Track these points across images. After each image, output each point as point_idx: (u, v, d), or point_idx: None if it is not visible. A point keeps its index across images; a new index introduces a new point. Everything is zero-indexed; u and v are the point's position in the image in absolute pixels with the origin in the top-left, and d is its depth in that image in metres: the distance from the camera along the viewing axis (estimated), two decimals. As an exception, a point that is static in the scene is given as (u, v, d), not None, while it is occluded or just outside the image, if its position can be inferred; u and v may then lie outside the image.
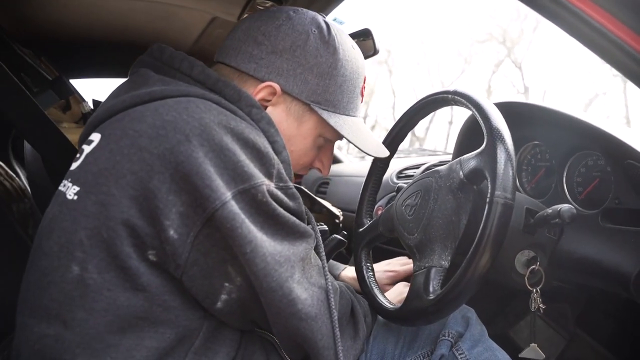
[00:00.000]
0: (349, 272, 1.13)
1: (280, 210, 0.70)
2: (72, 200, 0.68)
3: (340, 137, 0.88)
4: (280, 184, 0.72)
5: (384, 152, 0.92)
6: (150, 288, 0.66)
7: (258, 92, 0.80)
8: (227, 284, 0.69)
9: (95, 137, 0.72)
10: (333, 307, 0.75)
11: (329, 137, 0.88)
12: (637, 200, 0.89)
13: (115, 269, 0.65)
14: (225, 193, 0.64)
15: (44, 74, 1.36)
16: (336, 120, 0.84)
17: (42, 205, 1.43)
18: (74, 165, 0.73)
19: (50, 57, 1.56)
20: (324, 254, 0.81)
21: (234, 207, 0.64)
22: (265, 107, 0.81)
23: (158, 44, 0.83)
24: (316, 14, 0.85)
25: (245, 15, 1.28)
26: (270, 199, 0.68)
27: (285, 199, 0.72)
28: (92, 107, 1.52)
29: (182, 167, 0.63)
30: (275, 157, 0.72)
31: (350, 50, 0.85)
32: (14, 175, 1.43)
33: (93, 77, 1.87)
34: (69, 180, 0.72)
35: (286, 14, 0.82)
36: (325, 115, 0.83)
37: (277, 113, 0.82)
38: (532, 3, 0.80)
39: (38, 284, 0.69)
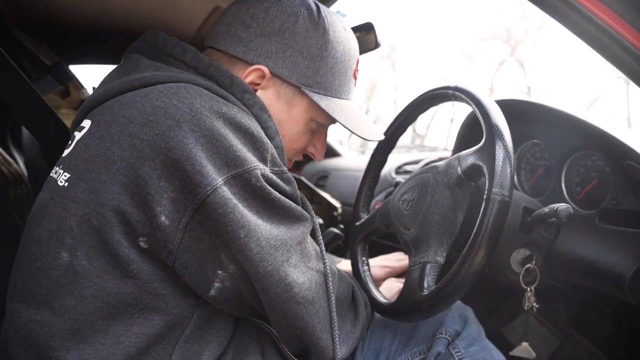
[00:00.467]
0: (344, 265, 1.12)
1: (276, 194, 0.70)
2: (63, 187, 0.68)
3: (333, 121, 0.87)
4: (275, 169, 0.72)
5: (378, 136, 0.90)
6: (140, 275, 0.65)
7: (247, 75, 0.79)
8: (220, 272, 0.68)
9: (86, 123, 0.72)
10: (331, 290, 0.75)
11: (321, 121, 0.86)
12: (635, 201, 0.89)
13: (104, 256, 0.65)
14: (217, 179, 0.63)
15: (43, 60, 1.35)
16: (327, 103, 0.82)
17: (39, 191, 1.43)
18: (66, 152, 0.73)
19: (50, 42, 1.55)
20: (321, 238, 0.80)
21: (226, 192, 0.64)
22: (255, 91, 0.80)
23: (152, 30, 0.82)
24: None
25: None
26: (264, 183, 0.68)
27: (281, 183, 0.72)
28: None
29: (173, 153, 0.63)
30: (269, 141, 0.72)
31: (341, 31, 0.83)
32: (12, 161, 1.43)
33: (93, 63, 1.86)
34: (60, 167, 0.72)
35: (285, 1, 0.81)
36: (316, 98, 0.81)
37: (267, 96, 0.81)
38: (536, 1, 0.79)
39: (27, 269, 0.69)
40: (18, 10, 1.39)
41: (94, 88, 1.22)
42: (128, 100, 0.69)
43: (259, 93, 0.81)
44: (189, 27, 1.53)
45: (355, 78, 0.88)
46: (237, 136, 0.67)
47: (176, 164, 0.63)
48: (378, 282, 1.04)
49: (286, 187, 0.73)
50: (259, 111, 0.76)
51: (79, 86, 1.49)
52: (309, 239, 0.77)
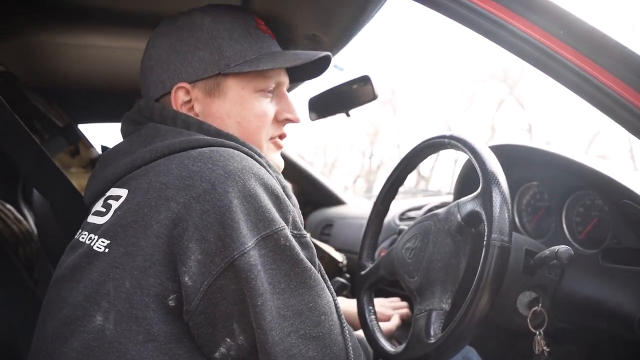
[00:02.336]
0: (349, 304, 1.13)
1: (302, 255, 0.70)
2: (103, 252, 0.69)
3: (277, 80, 0.86)
4: (295, 232, 0.72)
5: (307, 56, 0.85)
6: (159, 337, 0.65)
7: (175, 100, 0.81)
8: (228, 340, 0.68)
9: (122, 192, 0.74)
10: None
11: (262, 87, 0.84)
12: (636, 239, 0.90)
13: (127, 321, 0.65)
14: (246, 243, 0.65)
15: (55, 121, 1.40)
16: (250, 65, 0.81)
17: (49, 249, 1.45)
18: (100, 220, 0.74)
19: (61, 103, 1.62)
20: (341, 310, 0.77)
21: (254, 257, 0.65)
22: (191, 109, 0.82)
23: (143, 98, 0.85)
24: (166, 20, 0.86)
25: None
26: (293, 242, 0.69)
27: (299, 248, 0.71)
28: (100, 152, 1.56)
29: (207, 216, 0.64)
30: (290, 205, 0.73)
31: (213, 9, 0.85)
32: (22, 219, 1.46)
33: (101, 122, 1.92)
34: (95, 234, 0.73)
35: (153, 35, 0.86)
36: (237, 69, 0.81)
37: (203, 106, 0.82)
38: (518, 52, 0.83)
39: (59, 333, 0.69)
40: (32, 75, 1.46)
41: (102, 147, 1.27)
42: (164, 167, 0.71)
43: (197, 108, 0.82)
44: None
45: (264, 31, 0.87)
46: (267, 196, 0.68)
47: (209, 226, 0.64)
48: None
49: (304, 253, 0.72)
50: (273, 172, 0.77)
51: (88, 145, 1.54)
52: (329, 310, 0.74)
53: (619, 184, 0.88)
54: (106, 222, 0.73)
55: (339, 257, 1.61)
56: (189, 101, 0.82)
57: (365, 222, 1.14)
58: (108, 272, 0.67)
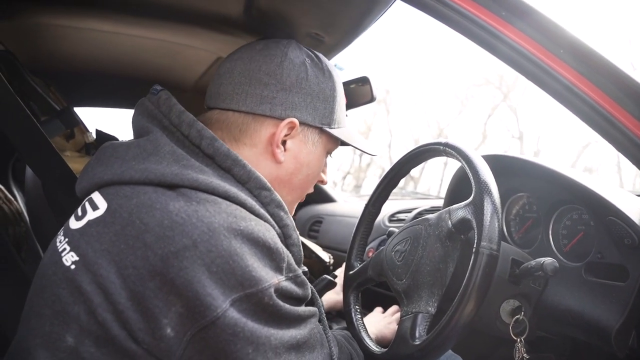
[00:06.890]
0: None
1: (287, 308, 0.70)
2: (69, 268, 0.68)
3: (336, 147, 0.94)
4: (290, 275, 0.73)
5: (377, 149, 0.98)
6: None
7: (280, 130, 0.82)
8: None
9: (101, 203, 0.71)
10: None
11: (333, 151, 0.93)
12: (618, 255, 0.92)
13: (112, 345, 0.64)
14: (226, 301, 0.64)
15: (52, 104, 1.39)
16: (346, 136, 0.91)
17: (38, 230, 1.44)
18: (76, 225, 0.72)
19: (59, 85, 1.61)
20: (326, 322, 0.82)
21: (234, 313, 0.64)
22: (285, 142, 0.83)
23: (166, 91, 0.82)
24: (297, 42, 0.88)
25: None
26: (276, 300, 0.68)
27: (295, 289, 0.73)
28: (94, 136, 1.55)
29: (185, 273, 0.63)
30: (285, 250, 0.72)
31: (335, 70, 0.91)
32: (12, 199, 1.45)
33: (98, 106, 1.92)
34: (67, 241, 0.71)
35: (280, 51, 0.84)
36: (337, 133, 0.88)
37: (296, 144, 0.85)
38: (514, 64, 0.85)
39: (27, 344, 0.68)
40: (31, 56, 1.45)
41: (96, 131, 1.27)
42: (147, 201, 0.68)
43: (289, 143, 0.84)
44: (190, 74, 1.58)
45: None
46: (254, 252, 0.67)
47: (187, 284, 0.63)
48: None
49: (299, 291, 0.74)
50: (275, 209, 0.77)
51: (84, 129, 1.54)
52: (315, 327, 0.78)
53: (606, 200, 0.90)
54: (78, 229, 0.71)
55: (326, 257, 1.63)
56: (287, 134, 0.83)
57: (353, 220, 1.15)
58: (76, 295, 0.66)
